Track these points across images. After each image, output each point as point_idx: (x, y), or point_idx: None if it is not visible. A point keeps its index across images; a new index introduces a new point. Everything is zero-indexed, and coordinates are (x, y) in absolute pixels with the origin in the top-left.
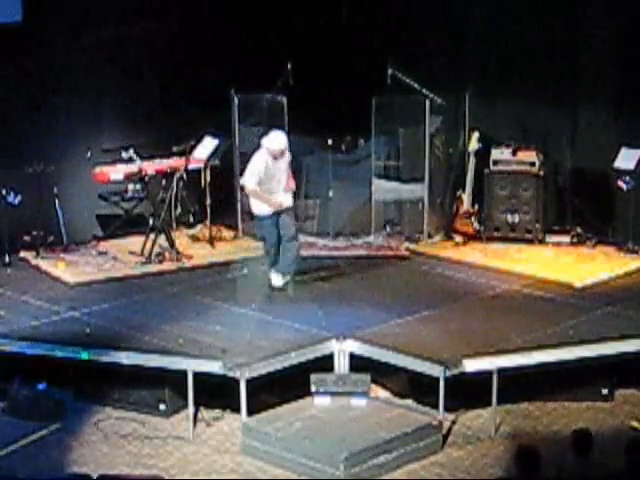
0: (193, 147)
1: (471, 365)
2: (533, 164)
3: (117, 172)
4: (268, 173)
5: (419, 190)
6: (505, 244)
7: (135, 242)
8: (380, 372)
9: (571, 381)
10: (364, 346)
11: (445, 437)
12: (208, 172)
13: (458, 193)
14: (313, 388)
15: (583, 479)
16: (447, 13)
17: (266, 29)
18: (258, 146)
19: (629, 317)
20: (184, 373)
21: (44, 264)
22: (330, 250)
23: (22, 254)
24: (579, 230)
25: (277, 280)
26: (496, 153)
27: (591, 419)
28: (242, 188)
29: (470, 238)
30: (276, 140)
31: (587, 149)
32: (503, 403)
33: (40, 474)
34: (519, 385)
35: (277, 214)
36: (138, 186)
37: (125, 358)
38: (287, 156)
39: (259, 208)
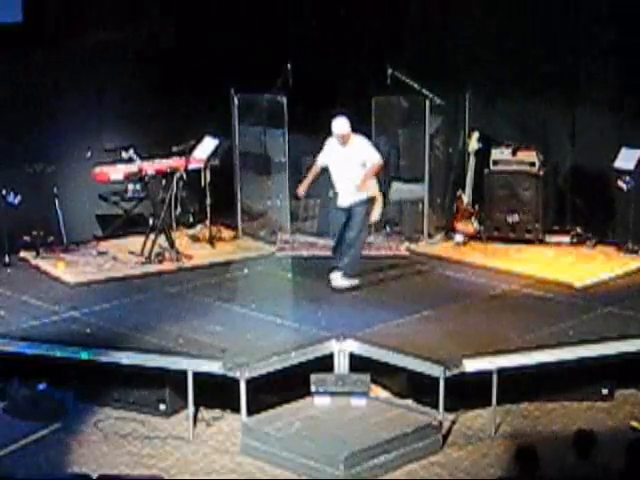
0: (193, 147)
1: (471, 365)
2: (533, 164)
3: (117, 172)
4: (332, 157)
5: (419, 190)
6: (505, 244)
7: (135, 242)
8: (380, 372)
9: (571, 381)
10: (364, 346)
11: (445, 437)
12: (208, 172)
13: (458, 193)
14: (313, 388)
15: (583, 479)
16: (447, 13)
17: (265, 29)
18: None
19: (629, 317)
20: (184, 373)
21: (44, 264)
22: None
23: (22, 254)
24: (579, 230)
25: (336, 280)
26: (496, 153)
27: (591, 419)
28: None
29: (470, 238)
30: (335, 123)
31: (587, 149)
32: (503, 403)
33: (40, 474)
34: (519, 385)
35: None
36: (138, 186)
37: (125, 358)
38: (358, 151)
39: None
